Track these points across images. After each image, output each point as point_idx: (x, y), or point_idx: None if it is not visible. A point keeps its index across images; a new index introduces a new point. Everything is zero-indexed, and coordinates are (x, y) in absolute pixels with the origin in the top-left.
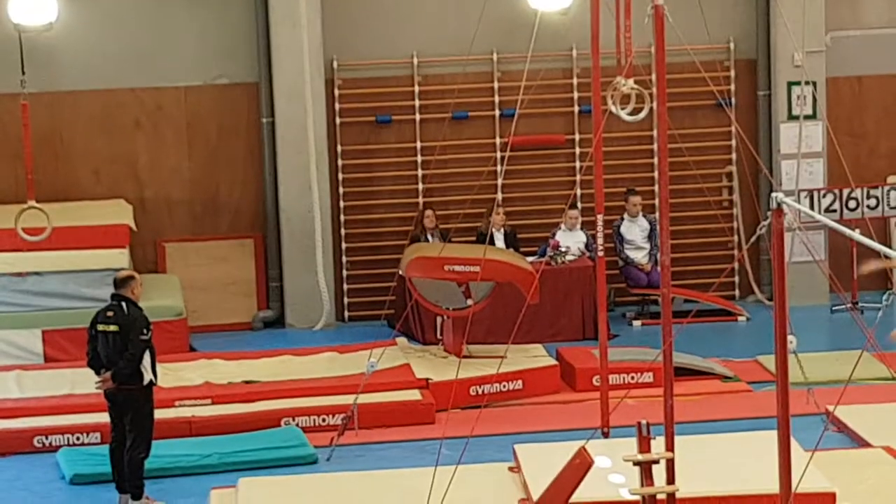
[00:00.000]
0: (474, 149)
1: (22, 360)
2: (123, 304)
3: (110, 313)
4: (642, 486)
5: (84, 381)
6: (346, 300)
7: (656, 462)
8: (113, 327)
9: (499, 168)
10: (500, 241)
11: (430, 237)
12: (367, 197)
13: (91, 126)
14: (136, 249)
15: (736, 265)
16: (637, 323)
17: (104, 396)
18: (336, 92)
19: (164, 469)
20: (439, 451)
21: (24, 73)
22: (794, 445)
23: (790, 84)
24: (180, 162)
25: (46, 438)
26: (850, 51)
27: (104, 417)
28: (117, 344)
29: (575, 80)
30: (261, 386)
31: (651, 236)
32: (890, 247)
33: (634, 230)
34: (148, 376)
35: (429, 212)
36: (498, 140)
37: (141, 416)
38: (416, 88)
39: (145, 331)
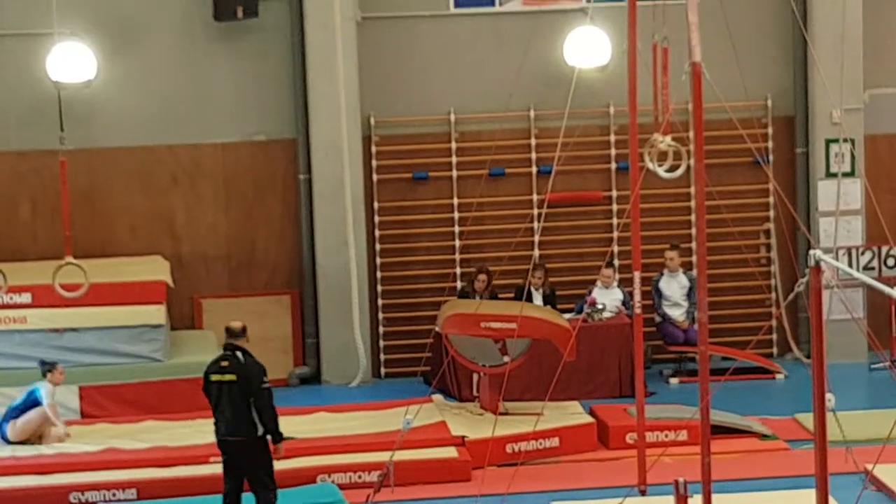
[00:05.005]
0: (511, 205)
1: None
2: (238, 353)
3: (225, 363)
4: None
5: (120, 436)
6: (382, 356)
7: None
8: (229, 377)
9: (536, 225)
10: (538, 300)
11: (478, 298)
12: (403, 253)
13: (129, 182)
14: (172, 306)
15: (774, 323)
16: (674, 380)
17: (219, 448)
18: (373, 148)
19: None
20: None
21: (62, 129)
22: None
23: (828, 141)
24: (217, 218)
25: (83, 495)
26: (889, 108)
27: (140, 474)
28: (233, 393)
29: (612, 137)
30: (297, 442)
31: (690, 294)
32: None
33: (673, 286)
34: (261, 428)
35: (482, 276)
36: (535, 197)
37: (258, 468)
38: (454, 145)
39: (265, 379)
